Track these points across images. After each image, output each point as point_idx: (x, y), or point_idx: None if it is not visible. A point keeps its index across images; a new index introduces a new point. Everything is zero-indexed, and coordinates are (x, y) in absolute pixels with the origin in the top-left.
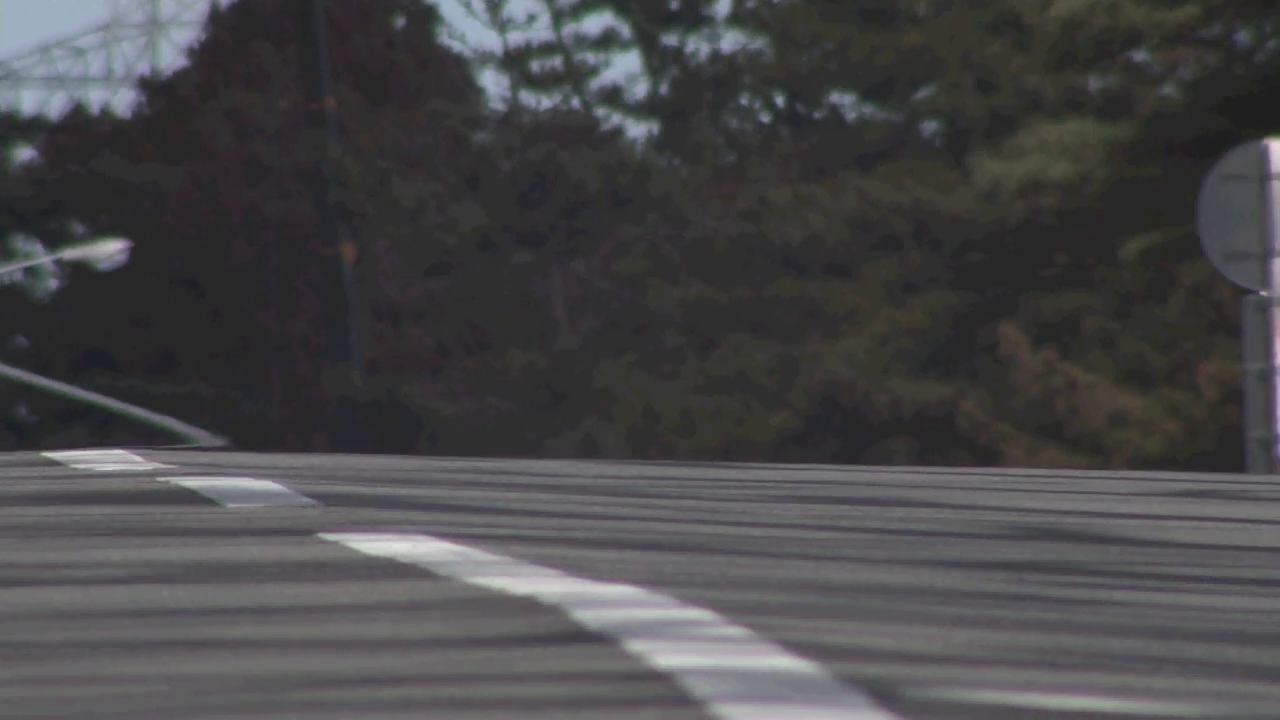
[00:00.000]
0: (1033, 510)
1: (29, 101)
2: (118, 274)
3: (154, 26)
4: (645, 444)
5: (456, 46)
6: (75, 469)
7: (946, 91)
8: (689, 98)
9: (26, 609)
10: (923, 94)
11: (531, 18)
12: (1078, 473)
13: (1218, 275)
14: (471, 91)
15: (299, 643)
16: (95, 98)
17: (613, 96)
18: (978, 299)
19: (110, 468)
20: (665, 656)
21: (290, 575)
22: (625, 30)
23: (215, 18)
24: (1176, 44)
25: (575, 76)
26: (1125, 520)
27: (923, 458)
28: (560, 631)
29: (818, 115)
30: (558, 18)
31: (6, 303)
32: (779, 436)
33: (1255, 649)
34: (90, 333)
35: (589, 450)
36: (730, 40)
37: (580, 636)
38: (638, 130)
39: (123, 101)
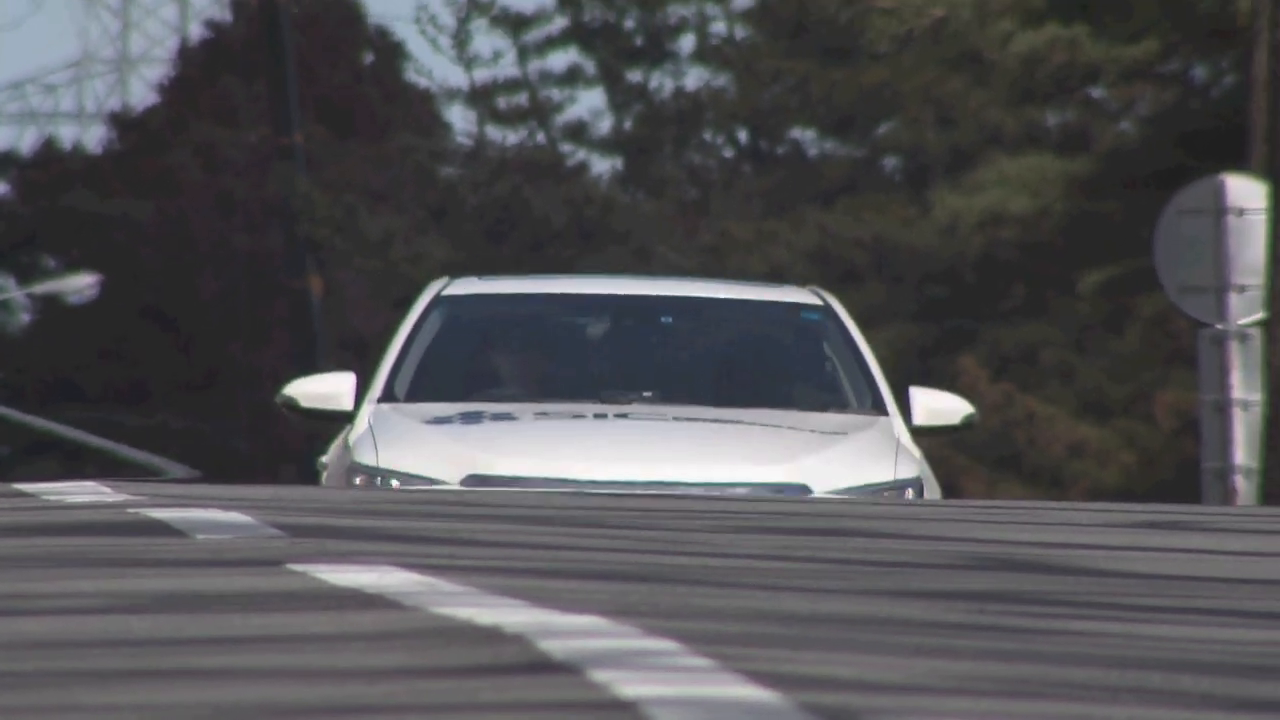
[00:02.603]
0: (992, 541)
1: (0, 137)
2: (89, 307)
3: (124, 63)
4: None
5: (423, 82)
6: (46, 500)
7: (907, 127)
8: (653, 134)
9: None
10: (883, 129)
11: (498, 54)
12: (1036, 504)
13: (1174, 308)
14: (438, 126)
15: (267, 672)
16: (66, 133)
17: (578, 132)
18: (938, 331)
19: (81, 499)
20: (629, 686)
21: (258, 606)
22: (590, 67)
23: (185, 54)
24: (1134, 80)
25: (541, 112)
26: (1083, 551)
27: None
28: (525, 661)
29: (780, 151)
30: (523, 54)
31: None
32: None
33: (1211, 679)
34: (61, 365)
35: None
36: (694, 77)
37: (545, 666)
38: (602, 165)
39: (94, 137)
